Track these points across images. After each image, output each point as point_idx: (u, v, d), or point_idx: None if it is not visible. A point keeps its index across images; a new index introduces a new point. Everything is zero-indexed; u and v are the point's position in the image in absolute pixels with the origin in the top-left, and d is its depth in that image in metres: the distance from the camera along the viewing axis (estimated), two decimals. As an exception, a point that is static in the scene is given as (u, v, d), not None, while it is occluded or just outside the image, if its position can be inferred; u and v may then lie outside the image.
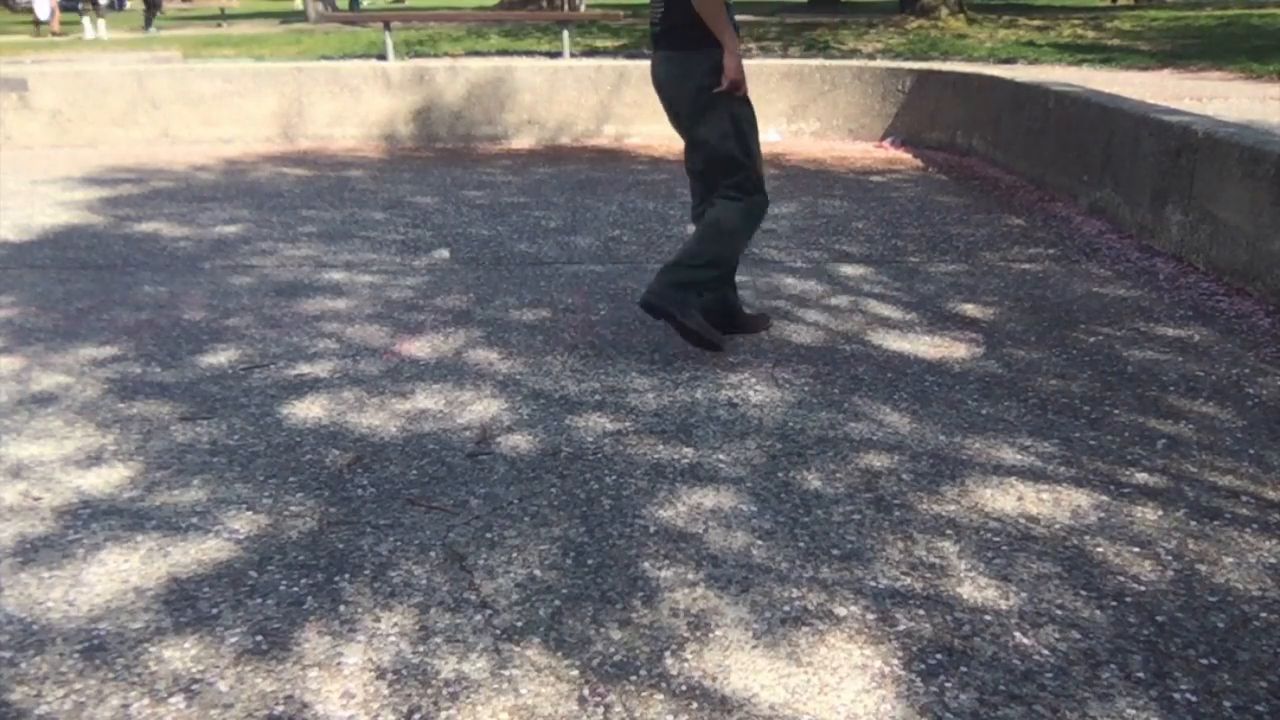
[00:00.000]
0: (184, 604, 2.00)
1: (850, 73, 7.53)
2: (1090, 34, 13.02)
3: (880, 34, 13.45)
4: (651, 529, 2.26)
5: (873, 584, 2.05)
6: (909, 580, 2.06)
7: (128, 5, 35.49)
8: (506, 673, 1.79)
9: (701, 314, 3.18)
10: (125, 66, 8.01)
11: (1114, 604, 1.98)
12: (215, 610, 1.97)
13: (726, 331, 3.33)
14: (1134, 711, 1.69)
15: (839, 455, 2.60)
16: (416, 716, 1.69)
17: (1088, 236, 4.78)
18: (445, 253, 4.53)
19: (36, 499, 2.41)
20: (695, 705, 1.71)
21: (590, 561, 2.13)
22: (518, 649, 1.86)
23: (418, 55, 11.86)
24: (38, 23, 18.89)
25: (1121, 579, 2.06)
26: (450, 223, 5.15)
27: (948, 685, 1.75)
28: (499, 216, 5.27)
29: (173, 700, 1.73)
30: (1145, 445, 2.65)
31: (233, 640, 1.88)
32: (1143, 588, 2.03)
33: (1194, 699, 1.72)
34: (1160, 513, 2.32)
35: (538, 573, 2.09)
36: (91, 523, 2.30)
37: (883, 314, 3.70)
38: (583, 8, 16.63)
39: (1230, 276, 3.96)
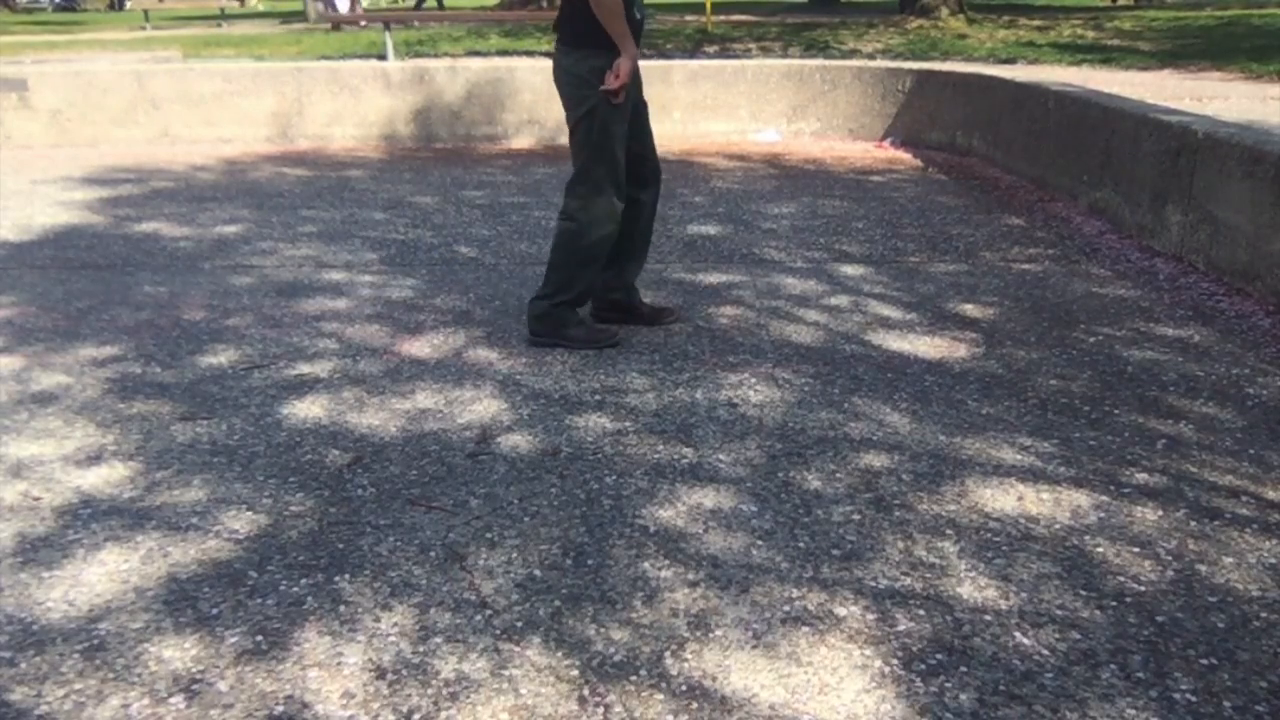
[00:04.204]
0: (184, 604, 2.00)
1: (850, 73, 7.53)
2: (1090, 34, 13.03)
3: (880, 34, 13.45)
4: (651, 529, 2.26)
5: (873, 584, 2.05)
6: (909, 580, 2.06)
7: (128, 5, 35.44)
8: (506, 673, 1.79)
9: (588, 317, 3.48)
10: (125, 66, 8.01)
11: (1114, 604, 1.98)
12: (215, 610, 1.97)
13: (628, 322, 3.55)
14: (1134, 711, 1.69)
15: (839, 455, 2.60)
16: (416, 716, 1.69)
17: (1088, 236, 4.78)
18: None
19: (36, 499, 2.41)
20: (695, 705, 1.71)
21: (590, 561, 2.13)
22: (518, 649, 1.86)
23: (418, 55, 11.87)
24: (334, 24, 18.02)
25: (1121, 579, 2.06)
26: (450, 223, 5.15)
27: (948, 685, 1.75)
28: (499, 216, 5.27)
29: (173, 700, 1.73)
30: (1145, 445, 2.65)
31: (233, 640, 1.88)
32: (1143, 588, 2.03)
33: (1194, 699, 1.72)
34: (1160, 513, 2.32)
35: (538, 573, 2.09)
36: (91, 523, 2.30)
37: (883, 314, 3.70)
38: (583, 8, 16.59)
39: (1230, 276, 3.96)
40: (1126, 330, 3.52)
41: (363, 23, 16.11)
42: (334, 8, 18.75)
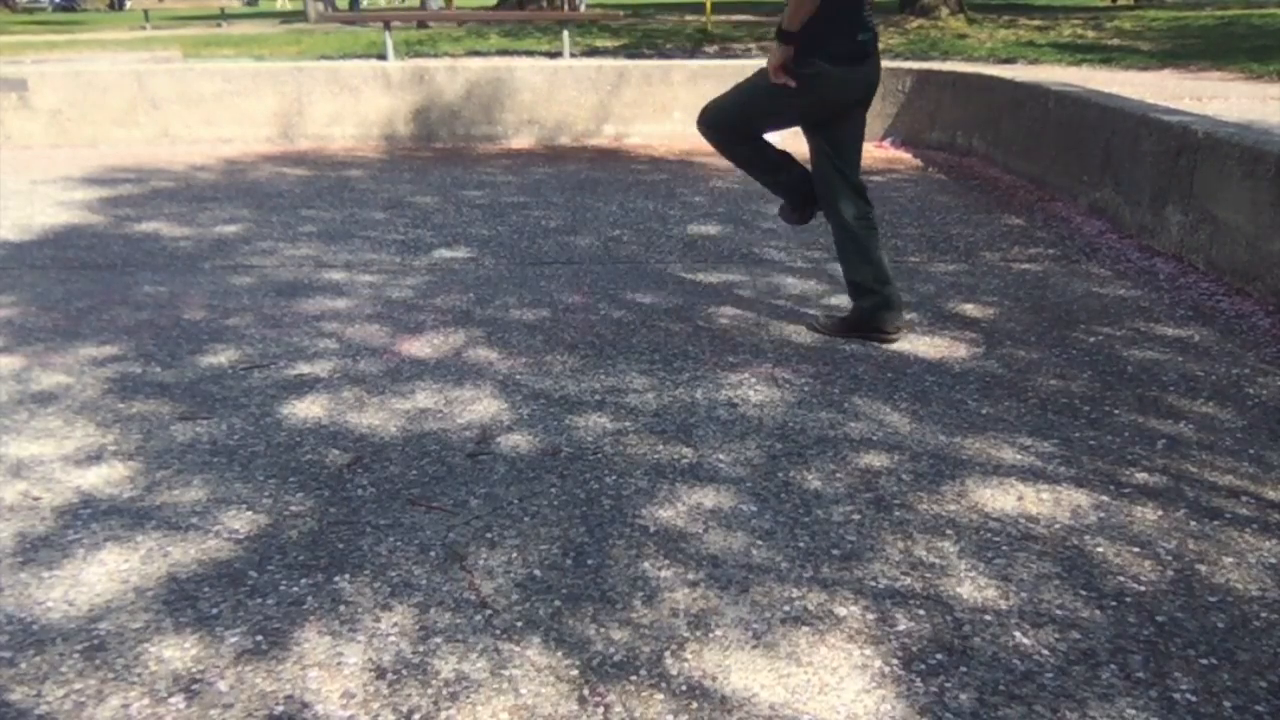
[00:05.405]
0: (184, 604, 2.00)
1: (850, 73, 7.51)
2: (1090, 34, 13.03)
3: (880, 34, 13.46)
4: (651, 529, 2.26)
5: (873, 584, 2.05)
6: (909, 580, 2.06)
7: (128, 5, 35.42)
8: (506, 673, 1.79)
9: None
10: (125, 66, 8.01)
11: (1114, 604, 1.98)
12: (215, 610, 1.97)
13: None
14: (1134, 711, 1.69)
15: (839, 455, 2.60)
16: (416, 716, 1.69)
17: (1088, 236, 4.78)
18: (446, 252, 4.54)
19: (36, 499, 2.41)
20: (695, 705, 1.71)
21: (590, 561, 2.13)
22: (518, 649, 1.86)
23: (418, 55, 11.87)
24: (420, 22, 17.88)
25: (1121, 579, 2.06)
26: (450, 222, 5.15)
27: (948, 685, 1.75)
28: (499, 216, 5.27)
29: (173, 700, 1.73)
30: (1145, 445, 2.65)
31: (233, 640, 1.88)
32: (1143, 588, 2.03)
33: (1194, 699, 1.72)
34: (1160, 513, 2.32)
35: (538, 573, 2.09)
36: (91, 522, 2.30)
37: (883, 314, 3.70)
38: (583, 8, 16.64)
39: (1230, 276, 3.96)
40: (1126, 330, 3.52)
41: (452, 22, 16.06)
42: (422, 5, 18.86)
